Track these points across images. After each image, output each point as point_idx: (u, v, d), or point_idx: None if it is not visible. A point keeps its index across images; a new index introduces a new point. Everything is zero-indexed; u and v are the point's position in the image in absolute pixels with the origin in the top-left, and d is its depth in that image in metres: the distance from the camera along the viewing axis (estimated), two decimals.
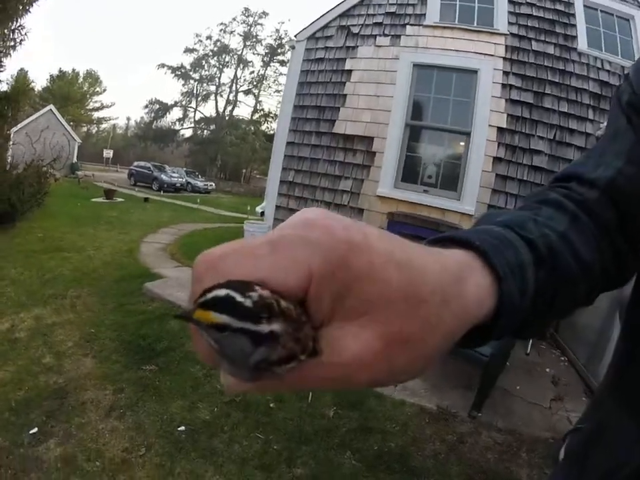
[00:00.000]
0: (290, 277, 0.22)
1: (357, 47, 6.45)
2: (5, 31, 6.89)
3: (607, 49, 6.08)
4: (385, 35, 6.37)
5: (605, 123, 2.69)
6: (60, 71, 44.42)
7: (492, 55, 5.93)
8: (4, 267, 5.32)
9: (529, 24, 6.10)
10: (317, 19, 6.79)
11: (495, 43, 6.00)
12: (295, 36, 7.01)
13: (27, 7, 8.04)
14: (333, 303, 0.23)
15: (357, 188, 5.97)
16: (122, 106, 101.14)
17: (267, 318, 0.21)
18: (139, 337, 3.61)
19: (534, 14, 6.15)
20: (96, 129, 56.28)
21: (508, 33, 6.04)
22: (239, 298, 0.21)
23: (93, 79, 47.62)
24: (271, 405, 2.89)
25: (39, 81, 41.39)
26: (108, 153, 38.04)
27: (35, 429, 2.46)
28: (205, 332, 0.22)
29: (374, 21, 6.51)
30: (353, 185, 6.00)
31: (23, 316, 3.93)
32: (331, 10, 6.76)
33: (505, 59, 5.91)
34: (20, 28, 7.46)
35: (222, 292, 0.21)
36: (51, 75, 44.05)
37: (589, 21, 6.19)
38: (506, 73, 5.84)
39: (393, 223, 5.10)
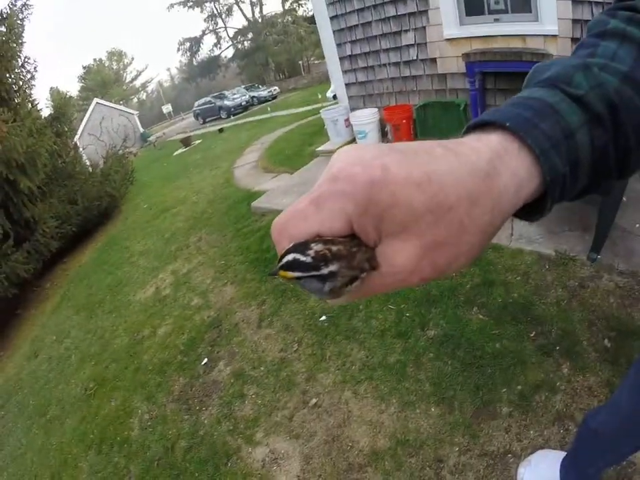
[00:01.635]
0: (335, 225, 0.27)
1: None
2: (16, 70, 6.92)
3: None
4: None
5: None
6: (84, 67, 45.49)
7: None
8: (129, 245, 5.71)
9: None
10: None
11: None
12: None
13: (19, 41, 7.92)
14: (375, 230, 0.27)
15: (421, 38, 4.92)
16: (157, 63, 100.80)
17: (324, 263, 0.27)
18: (263, 252, 3.75)
19: None
20: (145, 94, 57.80)
21: None
22: (302, 258, 0.27)
23: (117, 55, 48.39)
24: None
25: (69, 86, 43.03)
26: (167, 108, 38.77)
27: (205, 360, 2.85)
28: (290, 282, 0.29)
29: None
30: (416, 36, 4.96)
31: (161, 276, 4.23)
32: None
33: None
34: (26, 60, 7.43)
35: (290, 257, 0.27)
36: (78, 76, 45.49)
37: None
38: None
39: (471, 65, 4.29)
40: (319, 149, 5.97)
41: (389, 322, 2.57)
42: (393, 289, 0.30)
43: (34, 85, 7.32)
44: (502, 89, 4.61)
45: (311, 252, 0.27)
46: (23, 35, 7.22)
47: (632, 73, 0.35)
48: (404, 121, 5.12)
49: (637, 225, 3.07)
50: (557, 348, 2.04)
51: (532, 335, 2.15)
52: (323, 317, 2.79)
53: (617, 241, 2.81)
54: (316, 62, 36.26)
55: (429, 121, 5.09)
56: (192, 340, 3.09)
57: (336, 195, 0.27)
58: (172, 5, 38.48)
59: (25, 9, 7.32)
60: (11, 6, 7.04)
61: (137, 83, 51.47)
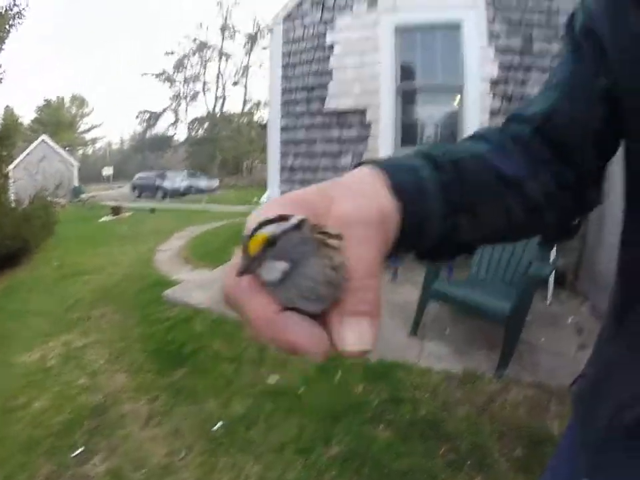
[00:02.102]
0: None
1: (335, 19, 6.30)
2: None
3: None
4: (361, 1, 6.21)
5: None
6: (45, 100, 45.41)
7: (473, 5, 5.77)
8: (27, 299, 5.43)
9: None
10: None
11: None
12: (272, 19, 6.86)
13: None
14: None
15: (358, 161, 5.77)
16: (114, 122, 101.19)
17: (290, 216, 0.26)
18: (166, 344, 3.69)
19: None
20: (92, 149, 57.36)
21: None
22: (265, 219, 0.26)
23: (78, 101, 48.59)
24: (301, 390, 2.94)
25: (25, 112, 42.27)
26: (108, 170, 38.26)
27: (80, 449, 2.52)
28: (262, 258, 0.26)
29: None
30: (353, 159, 5.81)
31: (52, 344, 4.00)
32: None
33: (488, 4, 5.75)
34: None
35: (253, 224, 0.27)
36: (37, 106, 45.06)
37: None
38: (491, 20, 5.68)
39: None
40: None
41: (290, 436, 2.49)
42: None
43: None
44: None
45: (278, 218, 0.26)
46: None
47: (479, 154, 0.46)
48: None
49: (542, 339, 3.48)
50: (468, 462, 2.10)
51: (442, 450, 2.19)
52: (219, 424, 2.65)
53: (523, 355, 3.12)
54: (259, 165, 38.28)
55: None
56: (70, 422, 2.79)
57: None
58: (145, 74, 40.27)
59: (18, 17, 7.46)
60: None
61: (88, 136, 51.10)
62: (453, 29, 5.77)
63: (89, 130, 50.19)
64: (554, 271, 4.14)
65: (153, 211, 16.13)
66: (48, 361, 3.72)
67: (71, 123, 46.87)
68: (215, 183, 29.48)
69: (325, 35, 6.29)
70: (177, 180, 26.35)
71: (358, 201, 0.32)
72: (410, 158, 0.42)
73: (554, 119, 0.50)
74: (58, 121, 43.73)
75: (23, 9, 8.24)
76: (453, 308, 3.78)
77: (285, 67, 6.49)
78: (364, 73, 6.00)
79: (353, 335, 0.28)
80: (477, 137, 0.50)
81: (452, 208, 0.41)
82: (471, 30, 5.65)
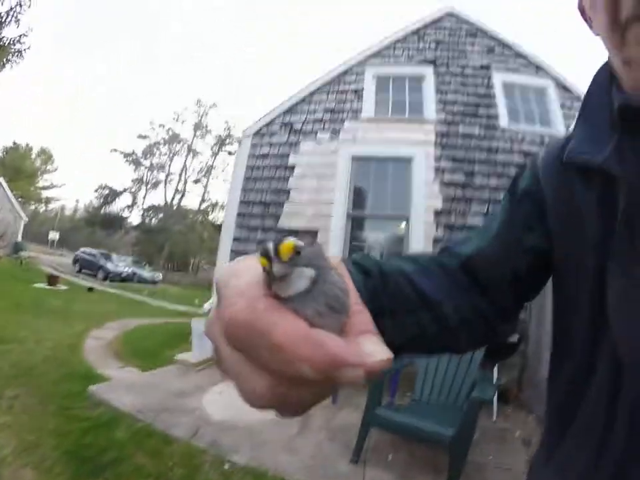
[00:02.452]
0: None
1: (300, 142, 6.93)
2: None
3: (526, 121, 6.96)
4: (325, 130, 6.93)
5: None
6: (14, 143, 44.50)
7: (424, 142, 6.50)
8: None
9: (455, 109, 6.88)
10: (263, 116, 7.30)
11: (425, 131, 6.64)
12: (242, 132, 7.43)
13: None
14: None
15: None
16: (72, 187, 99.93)
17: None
18: (83, 447, 3.32)
19: (459, 99, 6.98)
20: (44, 208, 55.61)
21: (436, 120, 6.72)
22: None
23: (46, 156, 47.69)
24: None
25: None
26: (54, 235, 37.36)
27: None
28: (287, 264, 0.26)
29: (314, 117, 7.11)
30: None
31: None
32: (275, 107, 7.31)
33: (435, 144, 6.51)
34: None
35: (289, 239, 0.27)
36: (4, 147, 44.09)
37: (508, 98, 7.10)
38: (437, 158, 6.40)
39: None
40: (178, 356, 5.98)
41: None
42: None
43: None
44: None
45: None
46: None
47: (405, 271, 0.53)
48: None
49: (490, 457, 3.38)
50: None
51: None
52: None
53: (470, 475, 3.03)
54: (205, 267, 37.86)
55: None
56: None
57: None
58: (115, 150, 40.63)
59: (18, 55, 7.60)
60: None
61: (44, 193, 49.33)
62: (403, 164, 6.41)
63: (48, 188, 48.74)
64: (497, 388, 4.25)
65: (90, 289, 15.51)
66: None
67: (31, 175, 45.60)
68: (159, 276, 29.02)
69: (288, 155, 6.87)
70: (121, 265, 25.69)
71: None
72: (344, 262, 0.46)
73: (478, 261, 0.58)
74: (19, 168, 42.52)
75: (25, 49, 8.50)
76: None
77: (247, 179, 6.91)
78: (319, 196, 6.47)
79: (375, 346, 0.28)
80: (407, 257, 0.58)
81: (376, 310, 0.42)
82: (420, 165, 6.29)
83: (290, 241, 0.27)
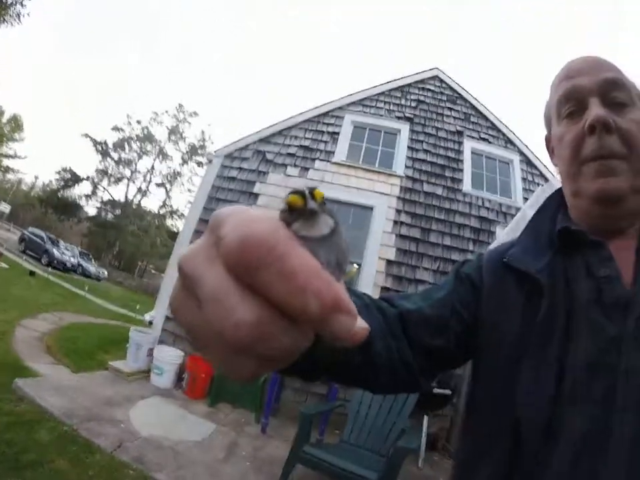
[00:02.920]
0: None
1: (268, 172, 7.05)
2: None
3: (488, 188, 7.32)
4: (295, 166, 7.11)
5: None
6: None
7: (388, 194, 6.79)
8: None
9: (422, 168, 7.20)
10: (238, 140, 7.40)
11: (391, 184, 6.93)
12: (215, 151, 7.48)
13: None
14: None
15: None
16: (34, 163, 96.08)
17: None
18: (3, 443, 3.21)
19: (428, 159, 7.30)
20: (0, 177, 52.64)
21: (404, 175, 7.03)
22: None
23: (16, 123, 45.04)
24: None
25: None
26: (5, 207, 35.59)
27: None
28: (322, 207, 0.27)
29: (288, 151, 7.26)
30: None
31: None
32: (251, 134, 7.44)
33: (398, 198, 6.80)
34: None
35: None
36: None
37: (474, 165, 7.46)
38: (398, 211, 6.68)
39: None
40: (112, 363, 5.89)
41: None
42: None
43: None
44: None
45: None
46: None
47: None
48: (203, 375, 5.42)
49: None
50: None
51: None
52: None
53: None
54: (153, 271, 36.90)
55: (227, 383, 5.36)
56: None
57: None
58: (87, 135, 38.90)
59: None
60: None
61: (5, 163, 46.40)
62: (365, 212, 6.67)
63: (10, 157, 45.93)
64: (425, 436, 4.41)
65: (32, 274, 14.84)
66: None
67: None
68: (104, 272, 28.32)
69: (255, 183, 6.98)
70: (68, 253, 24.80)
71: None
72: None
73: (415, 318, 0.64)
74: None
75: (24, 14, 8.40)
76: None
77: (210, 198, 6.95)
78: None
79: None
80: (355, 291, 0.60)
81: None
82: (380, 216, 6.55)
83: (320, 190, 0.28)
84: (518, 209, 6.29)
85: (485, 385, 0.67)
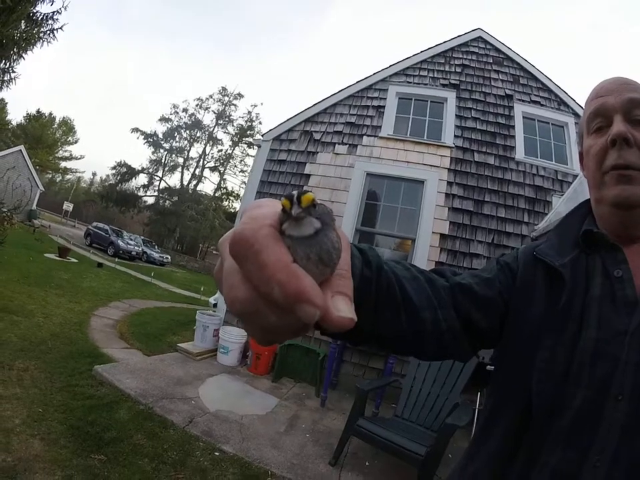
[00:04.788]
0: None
1: (317, 152, 7.06)
2: None
3: (542, 155, 6.95)
4: (343, 144, 7.06)
5: (540, 225, 4.24)
6: (37, 112, 44.87)
7: (438, 167, 6.64)
8: None
9: (472, 137, 6.95)
10: (284, 122, 7.43)
11: (441, 155, 6.76)
12: (262, 135, 7.55)
13: (22, 53, 8.52)
14: None
15: None
16: (90, 160, 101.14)
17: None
18: (87, 424, 3.50)
19: (478, 127, 7.03)
20: (60, 178, 56.13)
21: (453, 145, 6.83)
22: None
23: (67, 127, 47.96)
24: None
25: (15, 114, 41.22)
26: (68, 206, 37.73)
27: None
28: (305, 211, 0.32)
29: (334, 129, 7.22)
30: None
31: None
32: (297, 114, 7.45)
33: (449, 170, 6.63)
34: (10, 69, 7.76)
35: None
36: (28, 113, 44.43)
37: (526, 130, 7.09)
38: (450, 183, 6.52)
39: None
40: (181, 345, 6.20)
41: None
42: None
43: None
44: (359, 349, 5.65)
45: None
46: None
47: (397, 273, 0.62)
48: (266, 352, 5.68)
49: None
50: None
51: None
52: None
53: None
54: (214, 252, 37.66)
55: (289, 360, 5.71)
56: None
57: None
58: (137, 130, 40.44)
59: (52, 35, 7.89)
60: None
61: (63, 164, 50.06)
62: (416, 186, 6.54)
63: (67, 159, 49.26)
64: (477, 412, 4.41)
65: (100, 265, 15.66)
66: None
67: (51, 145, 46.02)
68: (167, 258, 29.28)
69: (305, 164, 7.00)
70: (132, 243, 25.96)
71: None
72: (351, 246, 0.51)
73: (464, 291, 0.71)
74: (40, 137, 43.01)
75: (57, 29, 8.74)
76: None
77: (262, 182, 7.05)
78: (331, 208, 6.51)
79: (345, 306, 0.32)
80: (403, 264, 0.67)
81: (363, 296, 0.53)
82: (431, 189, 6.41)
83: (310, 194, 0.32)
84: (575, 176, 6.01)
85: (506, 362, 0.76)
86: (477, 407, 4.54)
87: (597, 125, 0.76)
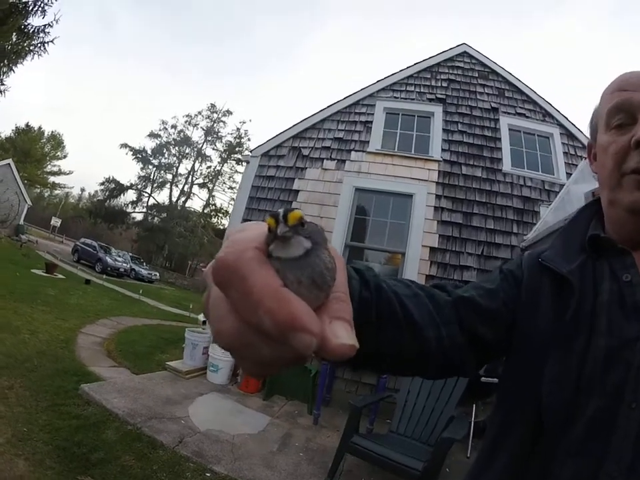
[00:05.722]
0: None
1: (306, 168, 7.10)
2: None
3: (528, 166, 7.06)
4: (332, 159, 7.11)
5: (529, 235, 4.34)
6: (27, 126, 44.81)
7: (426, 180, 6.70)
8: None
9: (459, 150, 7.04)
10: (272, 138, 7.46)
11: (429, 169, 6.82)
12: (251, 151, 7.59)
13: (12, 66, 8.54)
14: None
15: None
16: (79, 176, 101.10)
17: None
18: (73, 444, 3.43)
19: (465, 140, 7.13)
20: (49, 193, 55.71)
21: (441, 159, 6.91)
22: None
23: (56, 141, 47.88)
24: None
25: (3, 127, 40.98)
26: (56, 222, 37.51)
27: None
28: (292, 230, 0.29)
29: (323, 145, 7.27)
30: None
31: None
32: (285, 130, 7.49)
33: (437, 183, 6.70)
34: (0, 82, 7.81)
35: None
36: (16, 127, 44.28)
37: (512, 142, 7.21)
38: (438, 197, 6.58)
39: None
40: (170, 363, 6.12)
41: None
42: None
43: None
44: None
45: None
46: None
47: (398, 292, 0.59)
48: None
49: None
50: None
51: None
52: None
53: None
54: (203, 270, 37.42)
55: (280, 378, 5.56)
56: None
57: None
58: (125, 145, 40.43)
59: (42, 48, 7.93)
60: None
61: (51, 179, 49.65)
62: (405, 200, 6.59)
63: (55, 174, 48.96)
64: (473, 425, 4.41)
65: (88, 282, 15.51)
66: None
67: (40, 160, 45.79)
68: (156, 275, 29.16)
69: (294, 180, 7.02)
70: (120, 259, 25.90)
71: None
72: (347, 267, 0.49)
73: (468, 304, 0.68)
74: (29, 151, 42.81)
75: (48, 42, 8.78)
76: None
77: (251, 199, 7.05)
78: (320, 223, 6.28)
79: (345, 332, 0.29)
80: (404, 281, 0.65)
81: (362, 319, 0.50)
82: (420, 203, 6.46)
83: (298, 211, 0.30)
84: (562, 186, 6.06)
85: (514, 373, 0.73)
86: (473, 419, 4.52)
87: (619, 121, 0.71)
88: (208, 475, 3.29)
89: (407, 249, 6.33)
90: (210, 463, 3.44)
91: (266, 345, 0.28)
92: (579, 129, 7.36)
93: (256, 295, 0.26)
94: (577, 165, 6.45)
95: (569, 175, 6.53)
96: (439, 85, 7.85)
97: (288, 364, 0.31)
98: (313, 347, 0.26)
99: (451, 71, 8.04)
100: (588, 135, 0.83)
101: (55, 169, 48.93)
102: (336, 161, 7.08)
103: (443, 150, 7.05)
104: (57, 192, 55.62)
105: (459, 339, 0.65)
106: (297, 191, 6.96)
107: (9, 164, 26.51)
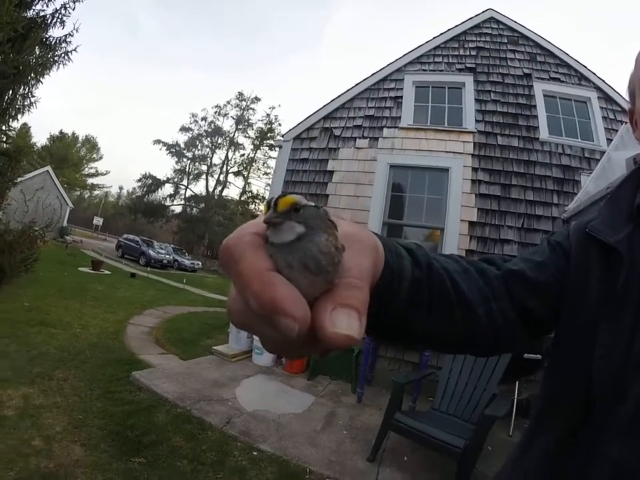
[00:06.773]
0: None
1: (339, 148, 7.04)
2: (15, 94, 7.50)
3: (566, 133, 6.76)
4: (364, 137, 7.01)
5: (570, 206, 3.99)
6: (60, 133, 46.57)
7: (461, 153, 6.53)
8: None
9: (494, 120, 6.80)
10: (303, 120, 7.43)
11: (464, 141, 6.64)
12: (282, 135, 7.58)
13: (39, 78, 8.83)
14: None
15: None
16: (116, 175, 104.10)
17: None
18: (126, 428, 3.56)
19: (498, 110, 6.88)
20: (88, 194, 57.96)
21: (475, 130, 6.70)
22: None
23: (90, 145, 49.64)
24: None
25: (39, 136, 42.81)
26: (98, 221, 38.87)
27: None
28: (286, 214, 0.30)
29: (354, 124, 7.18)
30: None
31: (10, 393, 3.86)
32: (315, 112, 7.44)
33: (473, 155, 6.50)
34: (30, 94, 8.04)
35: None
36: (51, 135, 46.21)
37: (549, 109, 6.91)
38: (475, 169, 6.40)
39: None
40: (216, 347, 6.26)
41: None
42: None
43: (17, 119, 7.82)
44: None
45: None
46: None
47: (449, 268, 0.58)
48: None
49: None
50: None
51: None
52: None
53: None
54: None
55: (325, 359, 5.59)
56: None
57: None
58: (159, 141, 41.16)
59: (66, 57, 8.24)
60: None
61: (89, 180, 51.62)
62: (440, 174, 6.44)
63: (93, 175, 50.86)
64: (515, 403, 4.35)
65: (133, 275, 16.02)
66: (5, 409, 3.55)
67: (77, 164, 47.47)
68: (198, 264, 29.66)
69: (327, 161, 6.96)
70: (163, 252, 26.58)
71: (362, 230, 0.39)
72: (398, 247, 0.51)
73: (518, 277, 0.66)
74: (65, 157, 44.44)
75: (71, 51, 9.02)
76: None
77: (287, 182, 7.05)
78: (356, 203, 6.55)
79: (344, 321, 0.28)
80: (453, 256, 0.64)
81: (415, 298, 0.51)
82: (456, 176, 6.29)
83: (290, 197, 0.31)
84: (602, 153, 5.75)
85: (563, 347, 0.70)
86: (516, 397, 4.44)
87: None
88: (255, 453, 3.38)
89: (445, 225, 6.21)
90: (256, 442, 3.53)
91: (264, 326, 0.29)
92: (617, 92, 6.98)
93: (245, 277, 0.28)
94: (617, 130, 6.08)
95: (609, 140, 6.22)
96: (468, 53, 7.60)
97: (296, 347, 0.32)
98: (295, 331, 0.27)
99: (478, 39, 7.77)
100: (627, 98, 0.79)
101: (92, 170, 50.88)
102: (368, 139, 6.98)
103: (476, 121, 6.83)
104: (96, 192, 57.95)
105: (509, 314, 0.63)
106: (332, 172, 6.90)
107: (47, 171, 27.25)
